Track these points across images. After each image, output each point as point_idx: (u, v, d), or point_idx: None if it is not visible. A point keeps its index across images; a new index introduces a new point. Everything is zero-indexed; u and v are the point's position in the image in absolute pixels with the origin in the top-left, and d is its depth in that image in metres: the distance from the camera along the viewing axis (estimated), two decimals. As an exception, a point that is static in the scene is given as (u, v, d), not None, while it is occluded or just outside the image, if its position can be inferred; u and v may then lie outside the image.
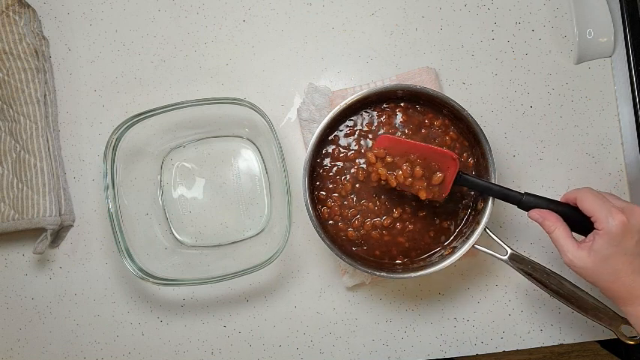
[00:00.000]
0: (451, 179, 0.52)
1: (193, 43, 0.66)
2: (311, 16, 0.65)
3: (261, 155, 0.64)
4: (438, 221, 0.57)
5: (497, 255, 0.54)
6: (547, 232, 0.49)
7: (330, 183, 0.58)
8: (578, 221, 0.49)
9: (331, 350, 0.63)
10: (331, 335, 0.63)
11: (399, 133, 0.58)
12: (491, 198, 0.53)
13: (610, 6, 0.61)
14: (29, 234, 0.65)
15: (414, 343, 0.63)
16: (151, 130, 0.60)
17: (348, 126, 0.59)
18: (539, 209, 0.50)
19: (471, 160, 0.58)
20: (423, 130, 0.58)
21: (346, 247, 0.58)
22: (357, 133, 0.58)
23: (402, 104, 0.58)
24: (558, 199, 0.51)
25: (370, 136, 0.58)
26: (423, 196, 0.53)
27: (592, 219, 0.47)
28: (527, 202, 0.51)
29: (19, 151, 0.63)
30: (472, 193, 0.57)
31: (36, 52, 0.64)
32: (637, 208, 0.45)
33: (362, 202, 0.58)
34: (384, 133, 0.58)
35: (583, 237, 0.48)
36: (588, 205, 0.47)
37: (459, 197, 0.57)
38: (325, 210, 0.58)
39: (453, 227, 0.58)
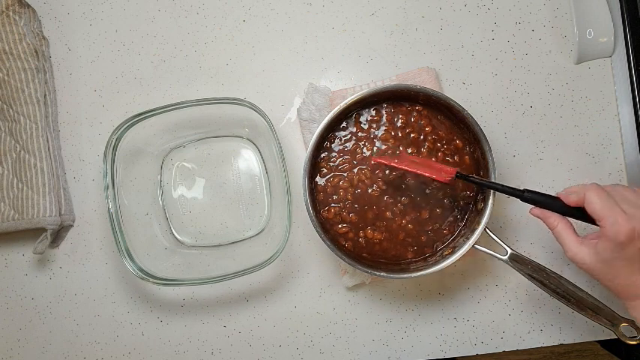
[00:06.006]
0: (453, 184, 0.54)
1: (193, 43, 0.66)
2: (311, 16, 0.65)
3: (261, 155, 0.64)
4: (437, 226, 0.57)
5: (497, 255, 0.54)
6: (550, 228, 0.49)
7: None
8: (581, 212, 0.47)
9: (331, 350, 0.63)
10: (331, 335, 0.63)
11: (400, 133, 0.58)
12: (491, 198, 0.53)
13: (610, 6, 0.61)
14: (29, 234, 0.65)
15: (414, 343, 0.63)
16: (151, 130, 0.60)
17: (347, 127, 0.59)
18: (540, 209, 0.49)
19: (470, 161, 0.57)
20: (427, 129, 0.58)
21: (346, 247, 0.58)
22: (357, 134, 0.58)
23: (402, 104, 0.58)
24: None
25: (372, 135, 0.58)
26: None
27: (597, 222, 0.45)
28: (528, 197, 0.50)
29: (19, 151, 0.63)
30: (471, 194, 0.57)
31: (36, 52, 0.64)
32: None
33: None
34: (378, 153, 0.58)
35: (587, 229, 0.49)
36: (595, 209, 0.45)
37: (458, 197, 0.58)
38: (325, 209, 0.58)
39: (452, 228, 0.58)
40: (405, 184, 0.57)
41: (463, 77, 0.64)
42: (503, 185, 0.51)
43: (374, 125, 0.58)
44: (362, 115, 0.59)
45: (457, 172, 0.53)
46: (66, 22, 0.67)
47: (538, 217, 0.50)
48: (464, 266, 0.62)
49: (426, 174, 0.53)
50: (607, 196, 0.45)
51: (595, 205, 0.45)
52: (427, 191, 0.57)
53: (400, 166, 0.54)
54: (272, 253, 0.56)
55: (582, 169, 0.62)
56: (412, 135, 0.58)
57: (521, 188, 0.50)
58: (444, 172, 0.53)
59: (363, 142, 0.58)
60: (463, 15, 0.64)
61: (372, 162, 0.57)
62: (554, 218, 0.48)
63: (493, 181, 0.53)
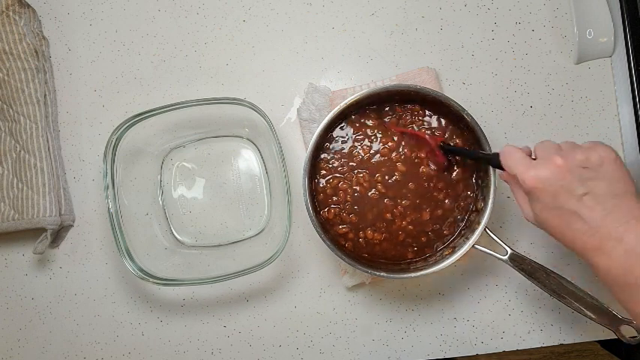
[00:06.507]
0: (438, 152, 0.55)
1: (193, 43, 0.66)
2: (311, 16, 0.65)
3: (261, 155, 0.64)
4: (437, 227, 0.57)
5: (497, 255, 0.54)
6: (512, 191, 0.48)
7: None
8: None
9: (331, 350, 0.63)
10: (331, 335, 0.63)
11: (400, 134, 0.58)
12: (491, 198, 0.53)
13: (610, 6, 0.61)
14: (29, 234, 0.65)
15: (414, 343, 0.63)
16: (151, 130, 0.60)
17: (347, 128, 0.59)
18: (506, 172, 0.47)
19: (471, 161, 0.58)
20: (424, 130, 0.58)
21: (346, 248, 0.58)
22: (356, 134, 0.58)
23: (402, 104, 0.58)
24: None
25: (371, 136, 0.58)
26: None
27: None
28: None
29: (19, 151, 0.63)
30: (472, 195, 0.57)
31: (36, 52, 0.64)
32: (553, 159, 0.41)
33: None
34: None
35: None
36: (509, 164, 0.45)
37: (459, 198, 0.57)
38: (325, 210, 0.58)
39: (452, 228, 0.58)
40: (406, 188, 0.57)
41: (463, 77, 0.64)
42: (483, 153, 0.52)
43: (363, 133, 0.58)
44: (362, 115, 0.59)
45: (441, 142, 0.55)
46: (66, 22, 0.67)
47: (505, 181, 0.48)
48: (464, 266, 0.62)
49: (420, 135, 0.56)
50: (518, 151, 0.45)
51: (507, 159, 0.45)
52: (428, 194, 0.57)
53: (402, 130, 0.57)
54: (272, 253, 0.56)
55: (582, 169, 0.62)
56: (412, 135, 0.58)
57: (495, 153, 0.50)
58: (432, 140, 0.56)
59: (362, 143, 0.58)
60: (463, 15, 0.64)
61: (384, 126, 0.58)
62: (507, 175, 0.47)
63: (480, 151, 0.54)
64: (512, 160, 0.44)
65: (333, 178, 0.58)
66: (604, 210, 0.40)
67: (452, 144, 0.56)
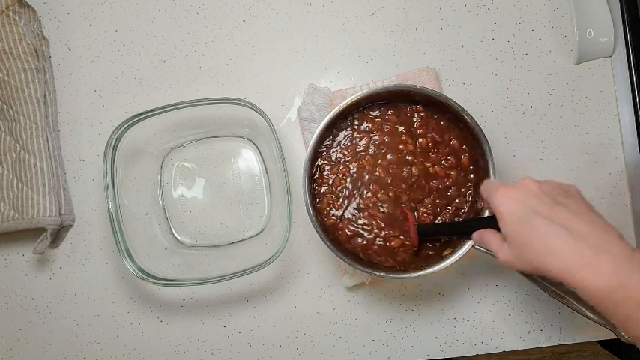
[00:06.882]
0: (413, 231, 0.54)
1: (193, 43, 0.66)
2: (311, 16, 0.65)
3: (261, 155, 0.64)
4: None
5: (497, 255, 0.54)
6: (487, 244, 0.47)
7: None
8: None
9: (331, 350, 0.63)
10: (331, 335, 0.63)
11: (399, 134, 0.58)
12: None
13: (610, 6, 0.61)
14: (29, 234, 0.65)
15: (414, 343, 0.63)
16: (151, 130, 0.60)
17: (347, 127, 0.59)
18: (476, 232, 0.49)
19: (469, 160, 0.57)
20: (427, 130, 0.58)
21: (346, 248, 0.58)
22: (356, 134, 0.59)
23: (402, 105, 0.58)
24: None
25: (371, 136, 0.58)
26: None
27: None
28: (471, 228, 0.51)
29: (19, 151, 0.63)
30: (470, 199, 0.57)
31: (36, 52, 0.64)
32: (523, 180, 0.43)
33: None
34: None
35: None
36: (483, 193, 0.47)
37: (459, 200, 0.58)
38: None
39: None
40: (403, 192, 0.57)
41: (463, 77, 0.64)
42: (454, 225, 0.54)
43: (374, 126, 0.58)
44: (362, 115, 0.59)
45: (417, 223, 0.55)
46: (66, 22, 0.67)
47: (478, 244, 0.49)
48: (464, 266, 0.62)
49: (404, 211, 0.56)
50: (494, 182, 0.48)
51: (482, 188, 0.47)
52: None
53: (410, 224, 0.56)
54: (272, 253, 0.56)
55: (582, 169, 0.62)
56: (411, 135, 0.58)
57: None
58: (411, 217, 0.56)
59: (362, 143, 0.58)
60: (463, 15, 0.64)
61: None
62: (483, 234, 0.48)
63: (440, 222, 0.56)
64: (487, 185, 0.47)
65: (332, 170, 0.58)
66: (580, 220, 0.39)
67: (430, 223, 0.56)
